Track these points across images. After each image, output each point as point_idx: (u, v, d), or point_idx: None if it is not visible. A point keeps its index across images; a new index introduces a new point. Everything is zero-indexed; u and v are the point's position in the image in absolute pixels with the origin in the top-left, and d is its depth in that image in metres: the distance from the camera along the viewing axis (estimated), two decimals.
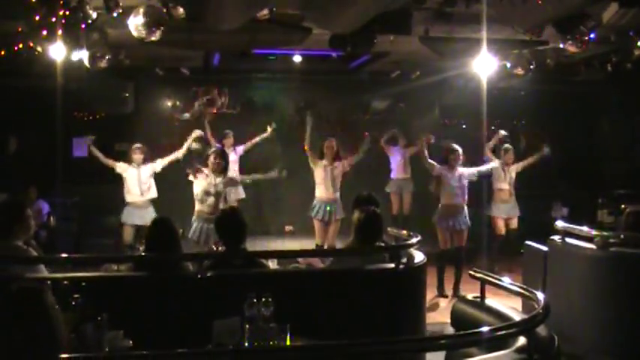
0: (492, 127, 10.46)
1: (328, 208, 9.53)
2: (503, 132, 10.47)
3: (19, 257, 4.89)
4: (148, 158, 10.01)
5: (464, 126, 13.80)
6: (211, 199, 8.30)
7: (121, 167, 9.98)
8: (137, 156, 9.95)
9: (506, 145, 10.65)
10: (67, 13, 6.78)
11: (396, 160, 12.28)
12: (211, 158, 8.41)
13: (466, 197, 9.16)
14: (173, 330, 4.13)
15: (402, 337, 3.95)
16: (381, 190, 11.84)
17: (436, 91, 13.30)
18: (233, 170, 10.85)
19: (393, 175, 12.33)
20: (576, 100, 13.37)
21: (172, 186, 10.42)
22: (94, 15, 6.92)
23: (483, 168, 9.77)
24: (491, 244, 10.46)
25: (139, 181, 9.93)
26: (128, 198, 9.95)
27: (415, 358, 4.33)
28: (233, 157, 11.30)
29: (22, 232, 5.07)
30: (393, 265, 4.94)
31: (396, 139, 12.38)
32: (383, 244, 5.56)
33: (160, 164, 9.99)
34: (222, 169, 8.42)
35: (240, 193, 11.61)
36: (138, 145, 10.05)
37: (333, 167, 9.62)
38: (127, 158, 10.01)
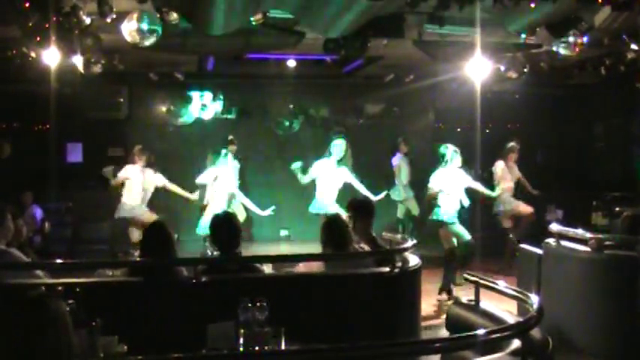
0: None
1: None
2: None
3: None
4: (153, 163, 10.03)
5: (458, 129, 13.81)
6: None
7: (124, 172, 9.94)
8: (139, 157, 9.95)
9: (513, 144, 10.74)
10: (61, 18, 6.79)
11: (403, 168, 12.23)
12: None
13: None
14: (167, 335, 4.11)
15: (397, 340, 3.94)
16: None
17: (430, 94, 13.33)
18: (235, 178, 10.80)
19: (403, 182, 12.26)
20: (570, 103, 13.40)
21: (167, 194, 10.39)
22: (88, 20, 6.92)
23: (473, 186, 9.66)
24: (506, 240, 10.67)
25: (143, 188, 9.94)
26: (126, 200, 9.94)
27: None
28: (237, 164, 11.28)
29: (2, 235, 5.07)
30: (387, 269, 4.94)
31: (397, 147, 12.35)
32: (372, 249, 5.58)
33: (161, 182, 10.04)
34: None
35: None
36: (138, 147, 10.08)
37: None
38: (126, 160, 10.05)
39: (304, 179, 9.89)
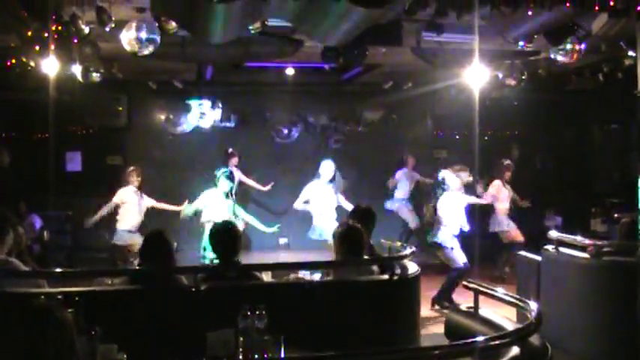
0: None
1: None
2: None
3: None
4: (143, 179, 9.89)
5: (456, 136, 13.83)
6: None
7: (119, 196, 9.65)
8: (135, 178, 9.68)
9: (508, 162, 10.70)
10: (60, 27, 6.80)
11: (402, 182, 12.27)
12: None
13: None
14: (167, 343, 4.12)
15: (396, 347, 3.94)
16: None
17: (428, 101, 13.33)
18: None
19: (397, 195, 12.28)
20: (569, 109, 13.42)
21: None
22: (87, 29, 6.93)
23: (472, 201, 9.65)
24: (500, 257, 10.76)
25: (139, 211, 9.69)
26: (124, 226, 9.65)
27: None
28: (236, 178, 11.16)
29: (4, 245, 5.08)
30: (387, 277, 4.94)
31: (403, 161, 12.38)
32: (369, 257, 5.58)
33: (150, 202, 9.86)
34: (230, 191, 8.73)
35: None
36: (132, 167, 9.83)
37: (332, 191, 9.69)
38: (121, 181, 9.83)
39: (295, 204, 9.82)
